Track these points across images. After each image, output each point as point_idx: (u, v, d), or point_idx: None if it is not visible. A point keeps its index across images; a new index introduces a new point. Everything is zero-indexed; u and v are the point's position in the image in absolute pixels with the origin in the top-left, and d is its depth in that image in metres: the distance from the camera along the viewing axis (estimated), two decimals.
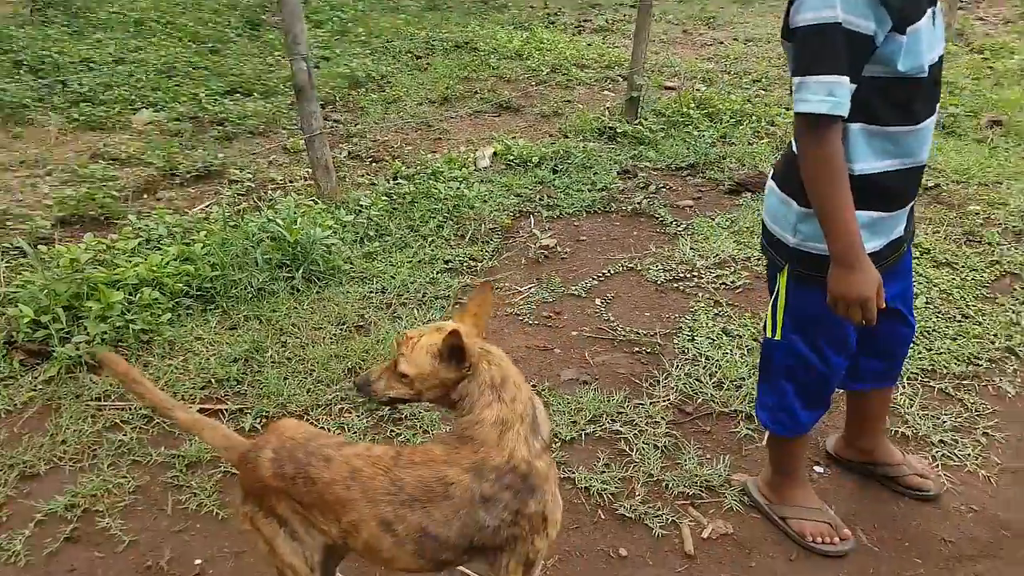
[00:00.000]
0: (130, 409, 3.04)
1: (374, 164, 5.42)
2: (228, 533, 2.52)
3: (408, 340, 1.77)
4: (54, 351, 3.19)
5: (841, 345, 2.24)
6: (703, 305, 3.82)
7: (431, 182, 4.85)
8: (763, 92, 6.95)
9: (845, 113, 1.80)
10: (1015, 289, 3.95)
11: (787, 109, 6.38)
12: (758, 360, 3.33)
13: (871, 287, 1.89)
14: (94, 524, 2.55)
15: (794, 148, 1.98)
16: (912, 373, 3.27)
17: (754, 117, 6.03)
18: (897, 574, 2.42)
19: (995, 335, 3.55)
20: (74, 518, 2.57)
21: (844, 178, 1.86)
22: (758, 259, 4.21)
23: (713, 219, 4.67)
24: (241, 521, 1.87)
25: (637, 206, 4.83)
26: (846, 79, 1.78)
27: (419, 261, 4.14)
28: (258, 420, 2.98)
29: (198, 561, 2.43)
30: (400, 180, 4.93)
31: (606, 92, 7.20)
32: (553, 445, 2.70)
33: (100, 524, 2.54)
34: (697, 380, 3.29)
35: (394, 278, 3.93)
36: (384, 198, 4.66)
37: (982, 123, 5.95)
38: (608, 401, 3.15)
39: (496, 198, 4.88)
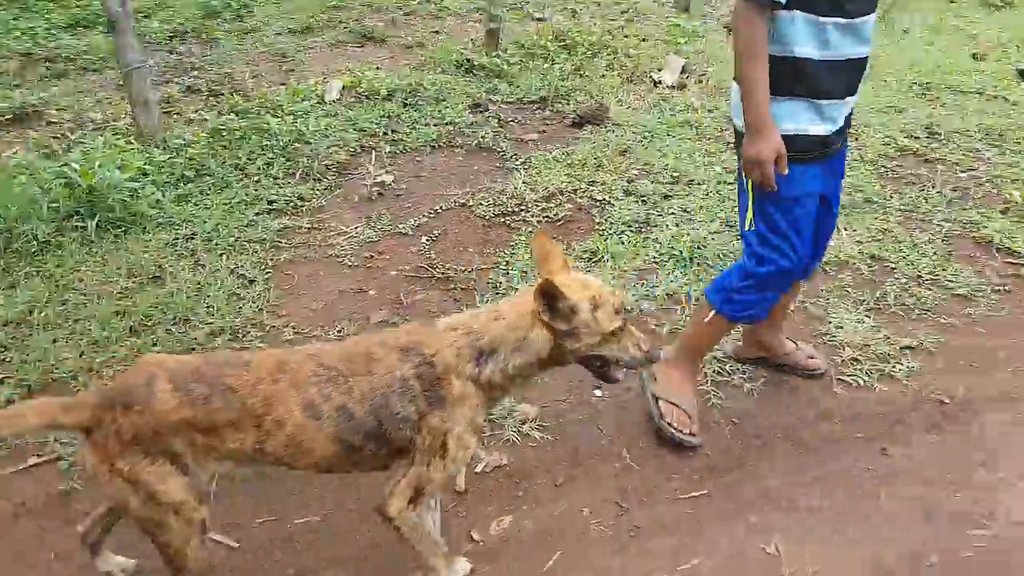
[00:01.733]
0: None
1: (212, 99, 5.17)
2: None
3: None
4: None
5: (803, 228, 2.43)
6: (523, 239, 3.82)
7: (267, 116, 4.66)
8: (627, 23, 6.86)
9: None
10: None
11: (643, 40, 6.33)
12: None
13: (771, 152, 2.18)
14: None
15: None
16: None
17: (610, 49, 5.96)
18: (652, 488, 2.53)
19: None
20: None
21: (764, 59, 2.15)
22: (584, 191, 4.22)
23: (551, 153, 4.64)
24: (109, 481, 1.70)
25: (481, 141, 4.76)
26: None
27: (238, 202, 4.00)
28: (16, 391, 2.78)
29: None
30: (231, 115, 4.72)
31: (475, 23, 7.01)
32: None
33: None
34: None
35: (206, 222, 3.79)
36: (210, 135, 4.46)
37: None
38: None
39: (337, 133, 4.73)
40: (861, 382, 3.01)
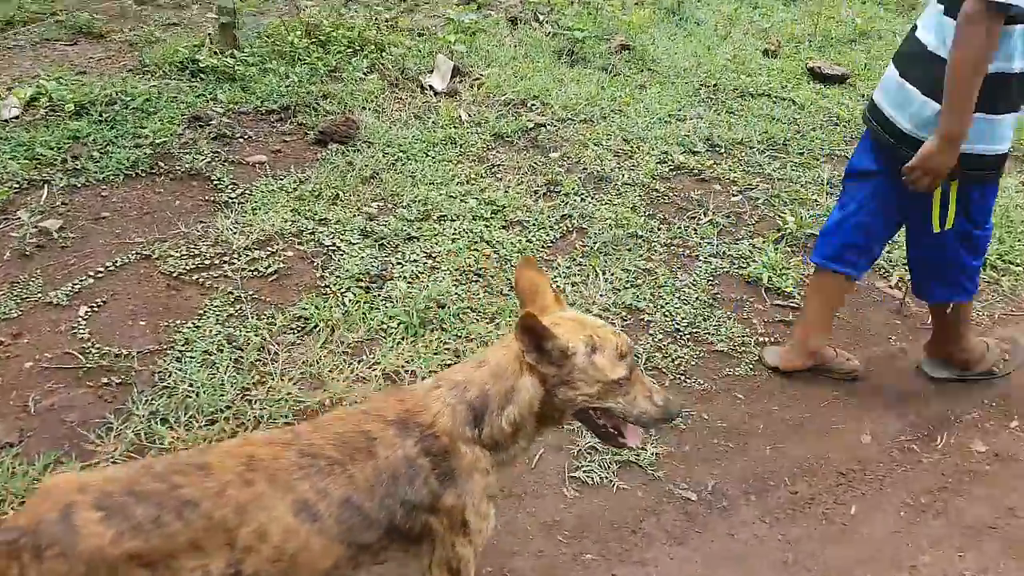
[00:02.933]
0: None
1: None
2: None
3: None
4: None
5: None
6: (219, 303, 3.05)
7: None
8: (405, 13, 6.13)
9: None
10: (575, 248, 3.59)
11: (420, 34, 5.63)
12: (256, 378, 2.70)
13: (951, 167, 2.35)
14: None
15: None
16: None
17: (374, 47, 5.20)
18: None
19: None
20: None
21: (983, 74, 2.20)
22: (311, 233, 3.49)
23: (280, 180, 3.87)
24: None
25: (192, 165, 3.90)
26: None
27: None
28: None
29: None
30: None
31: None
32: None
33: None
34: (162, 420, 2.54)
35: None
36: None
37: (612, 47, 5.59)
38: (25, 475, 2.33)
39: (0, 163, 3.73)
40: (597, 479, 2.51)
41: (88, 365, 2.74)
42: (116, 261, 3.24)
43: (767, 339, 3.16)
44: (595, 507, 2.43)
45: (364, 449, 1.52)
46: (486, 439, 1.59)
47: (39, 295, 3.03)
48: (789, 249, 3.73)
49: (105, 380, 2.69)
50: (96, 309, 3.00)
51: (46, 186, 3.66)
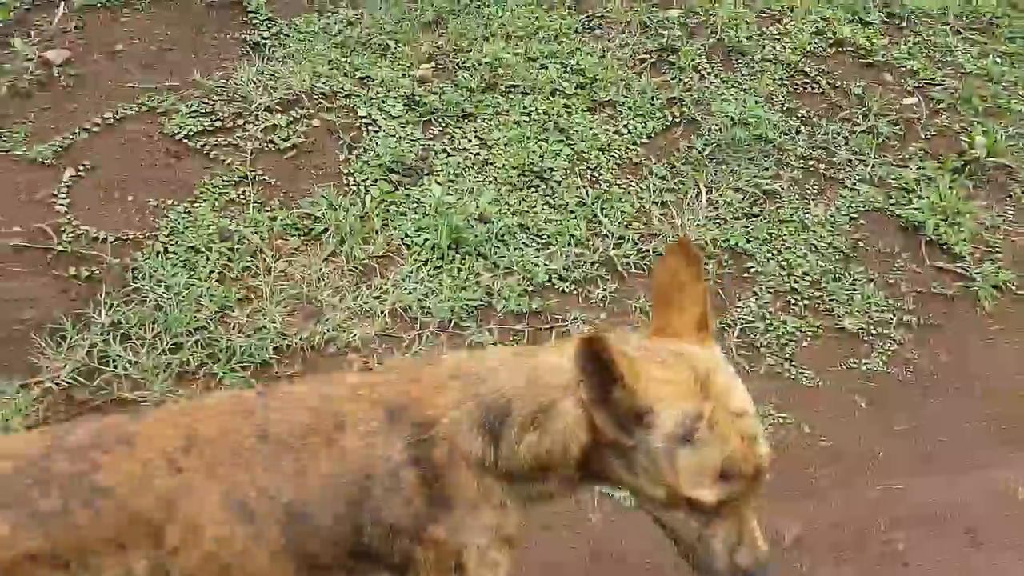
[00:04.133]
0: None
1: None
2: None
3: None
4: None
5: None
6: (220, 183, 2.51)
7: None
8: None
9: None
10: (678, 149, 2.77)
11: None
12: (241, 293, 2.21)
13: None
14: None
15: None
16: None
17: None
18: None
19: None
20: None
21: None
22: (346, 96, 2.83)
23: (326, 17, 3.14)
24: None
25: None
26: None
27: None
28: None
29: None
30: None
31: None
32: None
33: None
34: (123, 336, 2.11)
35: None
36: None
37: None
38: None
39: None
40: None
41: (59, 248, 2.30)
42: (117, 112, 2.70)
43: (915, 320, 2.34)
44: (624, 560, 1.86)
45: (326, 436, 1.15)
46: (501, 467, 1.15)
47: (21, 147, 2.56)
48: (970, 183, 2.77)
49: (73, 271, 2.26)
50: (81, 175, 2.51)
51: (63, 4, 3.10)
